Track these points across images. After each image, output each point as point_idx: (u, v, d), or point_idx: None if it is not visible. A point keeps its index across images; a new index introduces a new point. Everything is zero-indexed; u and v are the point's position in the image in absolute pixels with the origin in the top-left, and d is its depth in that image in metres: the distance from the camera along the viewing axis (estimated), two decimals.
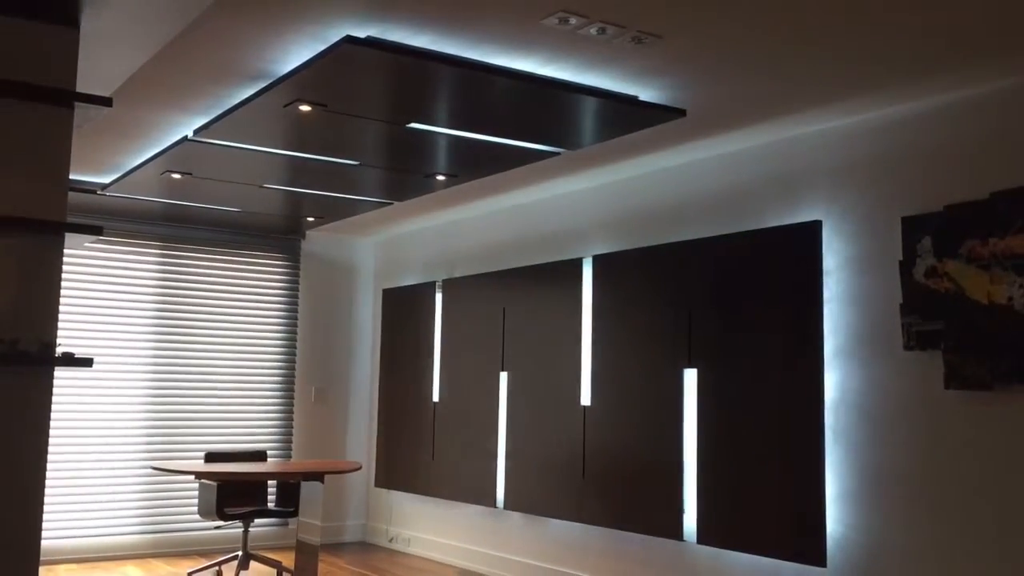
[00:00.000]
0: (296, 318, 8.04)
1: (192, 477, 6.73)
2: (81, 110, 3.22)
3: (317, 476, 5.77)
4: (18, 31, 3.10)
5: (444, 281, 7.34)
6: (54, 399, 3.60)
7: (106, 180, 6.33)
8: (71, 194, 6.52)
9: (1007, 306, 3.92)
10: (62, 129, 3.15)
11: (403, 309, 7.81)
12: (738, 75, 4.02)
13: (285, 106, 4.27)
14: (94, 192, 6.45)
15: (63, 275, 5.80)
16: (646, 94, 4.27)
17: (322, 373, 8.14)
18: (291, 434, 7.94)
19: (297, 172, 5.66)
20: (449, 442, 7.03)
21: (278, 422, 7.90)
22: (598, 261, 5.93)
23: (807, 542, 4.55)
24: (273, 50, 3.81)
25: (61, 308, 4.68)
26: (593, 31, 3.51)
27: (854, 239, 4.61)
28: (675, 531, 5.21)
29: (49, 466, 3.68)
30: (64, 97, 3.13)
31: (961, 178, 4.18)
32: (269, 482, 6.91)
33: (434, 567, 7.01)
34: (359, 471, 7.81)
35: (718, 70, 3.96)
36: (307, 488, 5.81)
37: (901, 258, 4.34)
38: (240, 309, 7.78)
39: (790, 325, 4.75)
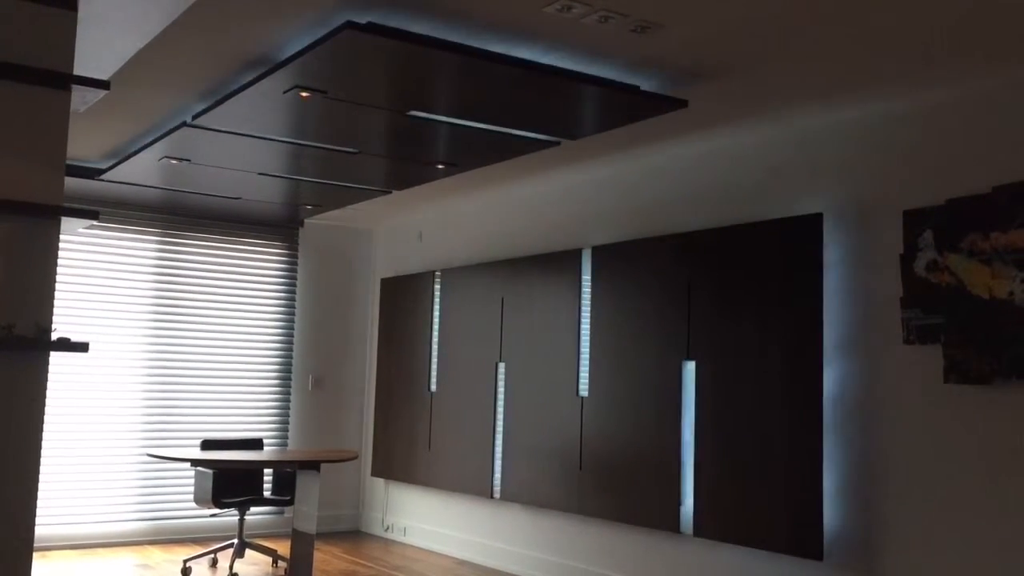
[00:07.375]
0: (294, 307, 8.02)
1: (188, 465, 6.72)
2: (78, 93, 3.19)
3: (313, 465, 5.76)
4: (16, 12, 3.07)
5: (442, 271, 7.32)
6: (50, 386, 3.58)
7: (104, 166, 6.30)
8: (70, 182, 6.49)
9: (1008, 300, 3.90)
10: (59, 112, 3.12)
11: (401, 298, 7.79)
12: (740, 66, 4.00)
13: (285, 92, 4.24)
14: (92, 177, 6.42)
15: (61, 261, 5.79)
16: (648, 84, 4.25)
17: (319, 362, 8.12)
18: (288, 423, 7.93)
19: (296, 159, 5.63)
20: (446, 432, 7.02)
21: (275, 410, 7.89)
22: (597, 252, 5.91)
23: (804, 535, 4.54)
24: (273, 35, 3.79)
25: (59, 295, 4.66)
26: (595, 19, 3.48)
27: (855, 232, 4.59)
28: (672, 523, 5.21)
29: (44, 452, 3.67)
30: (61, 80, 3.10)
31: (963, 172, 4.16)
32: (265, 470, 6.90)
33: (430, 556, 7.01)
34: (355, 460, 7.81)
35: (720, 61, 3.93)
36: (303, 477, 5.80)
37: (902, 251, 4.33)
38: (238, 297, 7.76)
39: (790, 318, 4.73)
